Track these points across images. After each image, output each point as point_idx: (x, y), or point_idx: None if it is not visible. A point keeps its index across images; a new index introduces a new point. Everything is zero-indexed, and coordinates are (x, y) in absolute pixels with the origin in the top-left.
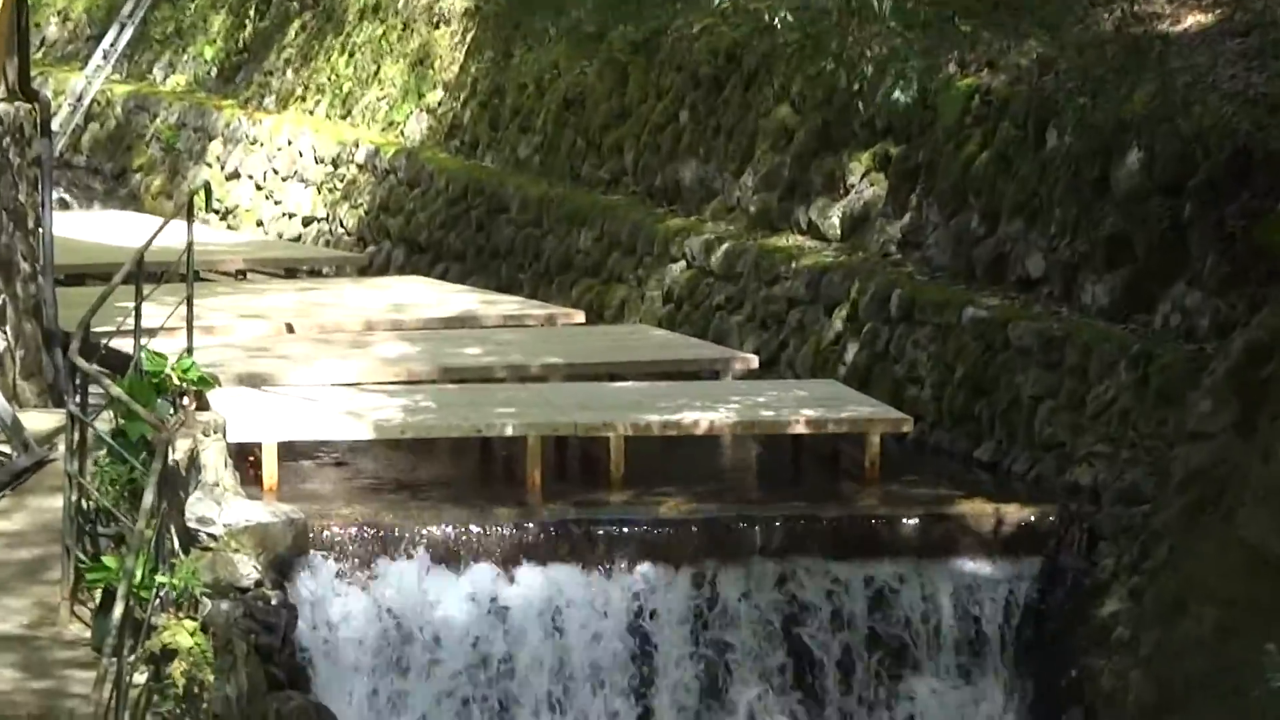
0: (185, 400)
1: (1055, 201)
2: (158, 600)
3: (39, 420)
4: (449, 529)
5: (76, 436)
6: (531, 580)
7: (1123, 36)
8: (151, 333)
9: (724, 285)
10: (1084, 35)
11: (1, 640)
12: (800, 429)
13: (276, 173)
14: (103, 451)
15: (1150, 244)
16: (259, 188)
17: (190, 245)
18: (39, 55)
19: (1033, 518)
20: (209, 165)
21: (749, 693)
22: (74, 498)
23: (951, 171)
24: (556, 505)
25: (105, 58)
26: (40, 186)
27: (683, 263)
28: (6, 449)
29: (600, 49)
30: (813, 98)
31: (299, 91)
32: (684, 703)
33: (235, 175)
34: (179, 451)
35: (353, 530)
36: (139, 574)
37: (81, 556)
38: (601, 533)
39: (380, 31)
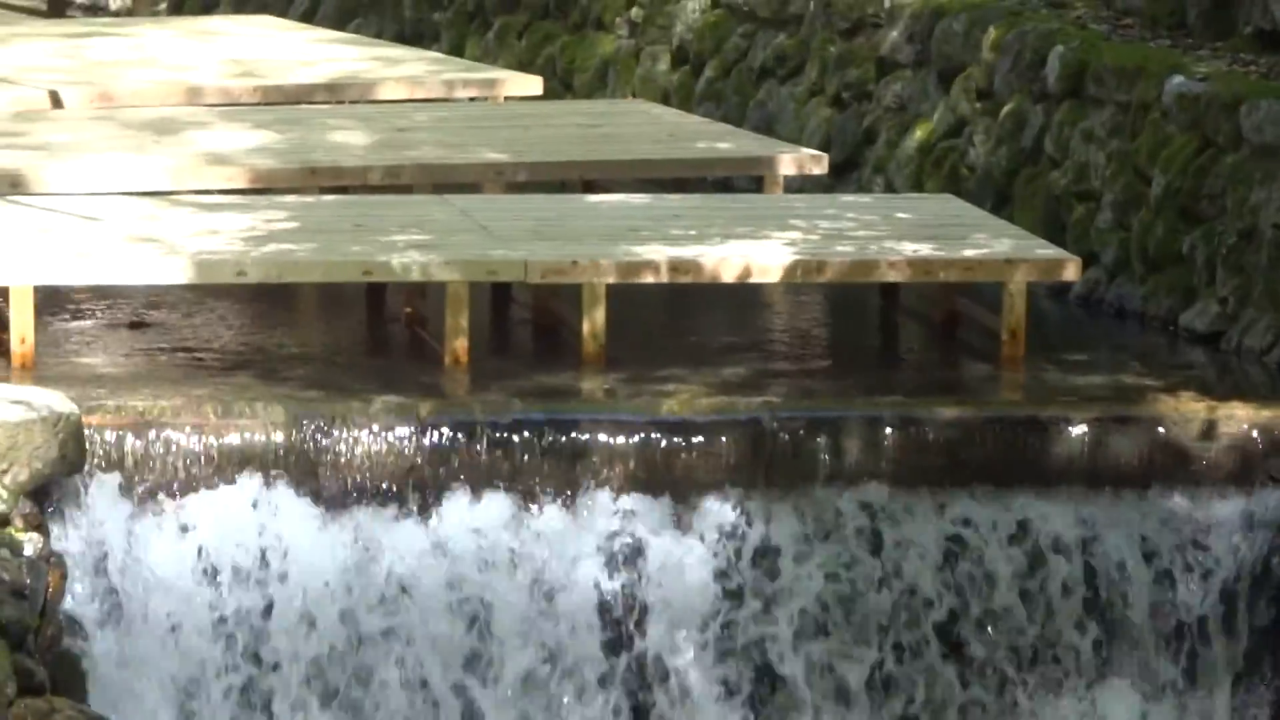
0: None
1: None
2: None
3: None
4: (314, 434)
5: None
6: (451, 519)
7: None
8: None
9: (771, 35)
10: None
11: None
12: (895, 274)
13: None
14: None
15: None
16: None
17: None
18: None
19: (1278, 428)
20: None
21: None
22: None
23: None
24: (491, 396)
25: None
26: None
27: None
28: None
29: None
30: None
31: None
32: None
33: None
34: None
35: (157, 434)
36: None
37: None
38: (565, 442)
39: None
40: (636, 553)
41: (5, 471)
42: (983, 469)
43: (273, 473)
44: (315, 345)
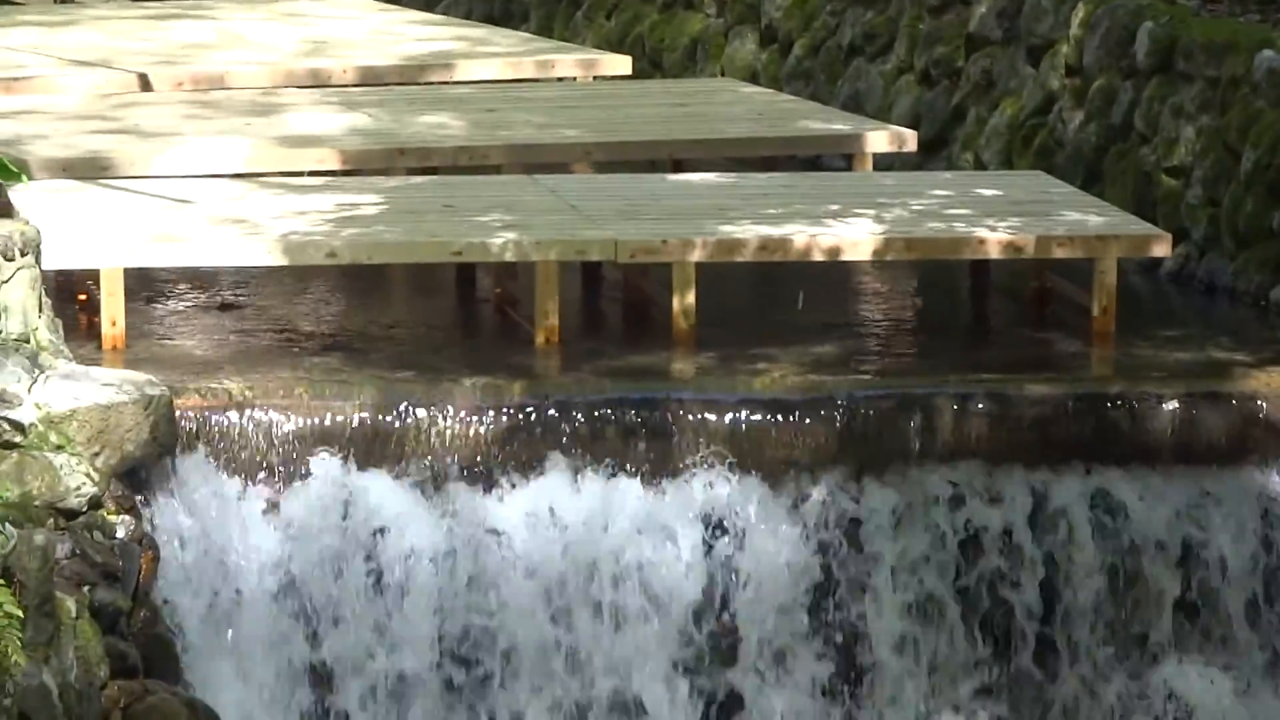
0: None
1: None
2: None
3: None
4: (407, 413)
5: None
6: (541, 496)
7: None
8: None
9: (860, 12)
10: None
11: None
12: (985, 251)
13: None
14: None
15: None
16: None
17: None
18: None
19: None
20: None
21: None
22: None
23: None
24: (583, 375)
25: None
26: None
27: None
28: None
29: None
30: None
31: None
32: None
33: None
34: None
35: (248, 415)
36: None
37: None
38: (658, 419)
39: None
40: (729, 531)
41: (97, 454)
42: (1074, 446)
43: (364, 454)
44: (406, 326)
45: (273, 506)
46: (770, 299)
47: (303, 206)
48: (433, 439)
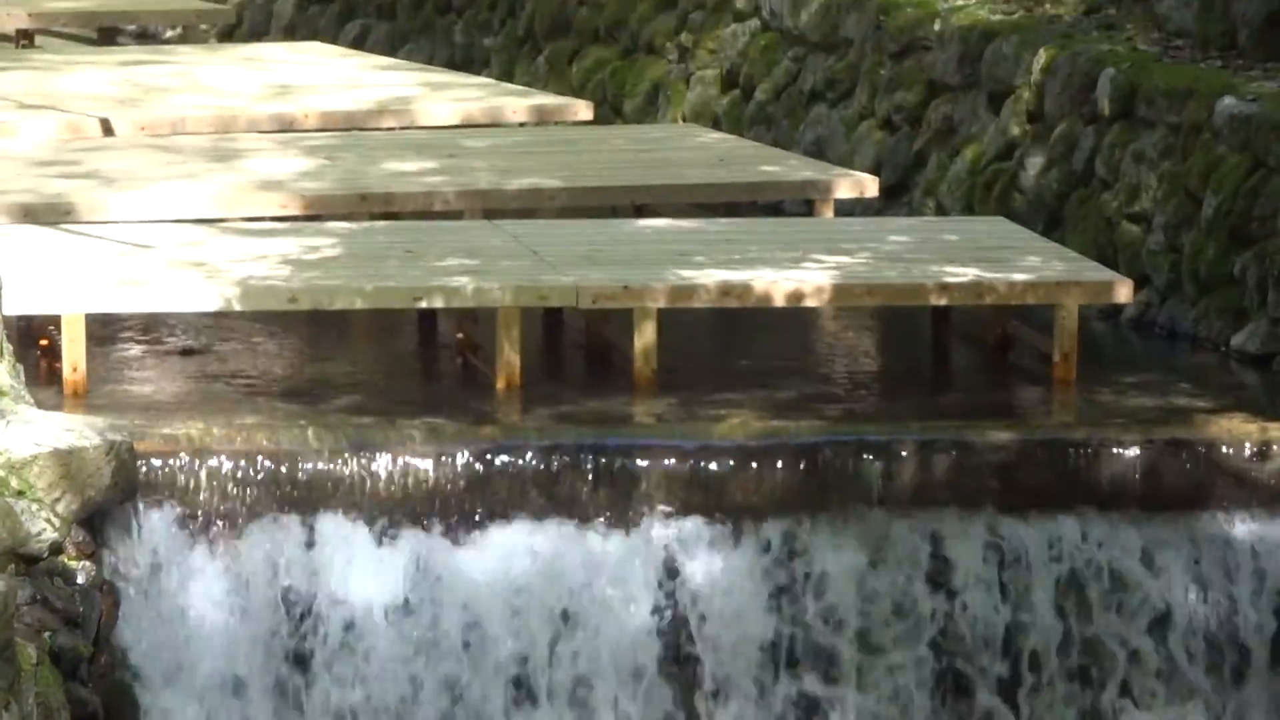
0: None
1: None
2: None
3: None
4: (367, 460)
5: None
6: (503, 544)
7: None
8: None
9: (822, 59)
10: None
11: None
12: (947, 297)
13: None
14: None
15: None
16: None
17: None
18: None
19: None
20: None
21: None
22: None
23: None
24: (544, 421)
25: None
26: None
27: (754, 20)
28: None
29: None
30: None
31: None
32: None
33: None
34: None
35: (213, 462)
36: None
37: None
38: (620, 466)
39: None
40: (689, 577)
41: (58, 500)
42: (1034, 492)
43: (322, 498)
44: (367, 371)
45: (231, 551)
46: (732, 344)
47: (264, 251)
48: (392, 484)
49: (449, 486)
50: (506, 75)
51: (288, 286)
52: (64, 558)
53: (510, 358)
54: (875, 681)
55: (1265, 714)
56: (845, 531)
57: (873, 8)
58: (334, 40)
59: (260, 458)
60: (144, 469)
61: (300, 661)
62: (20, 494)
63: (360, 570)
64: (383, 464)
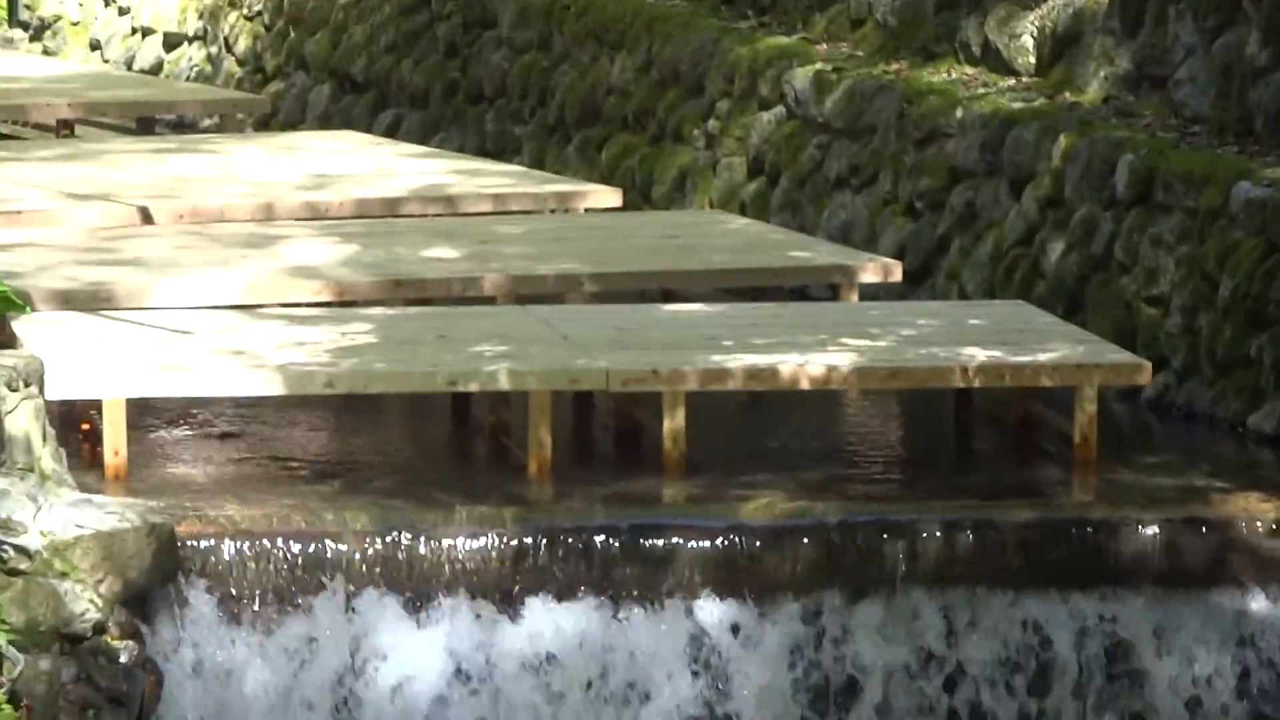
0: None
1: None
2: None
3: None
4: (404, 540)
5: None
6: (537, 625)
7: None
8: None
9: (846, 145)
10: None
11: None
12: (969, 380)
13: None
14: None
15: None
16: None
17: None
18: None
19: None
20: None
21: None
22: None
23: None
24: (575, 503)
25: None
26: None
27: (779, 108)
28: None
29: None
30: None
31: None
32: None
33: None
34: None
35: (251, 543)
36: None
37: None
38: (649, 546)
39: None
40: (720, 657)
41: (101, 581)
42: (1057, 570)
43: (361, 580)
44: (401, 454)
45: (272, 632)
46: (759, 426)
47: (301, 337)
48: (426, 566)
49: (485, 566)
50: (537, 163)
51: (324, 371)
52: (107, 637)
53: (542, 440)
54: None
55: None
56: (871, 609)
57: (896, 96)
58: (368, 129)
59: (299, 538)
60: (185, 550)
61: None
62: (64, 575)
63: (400, 649)
64: (420, 544)
